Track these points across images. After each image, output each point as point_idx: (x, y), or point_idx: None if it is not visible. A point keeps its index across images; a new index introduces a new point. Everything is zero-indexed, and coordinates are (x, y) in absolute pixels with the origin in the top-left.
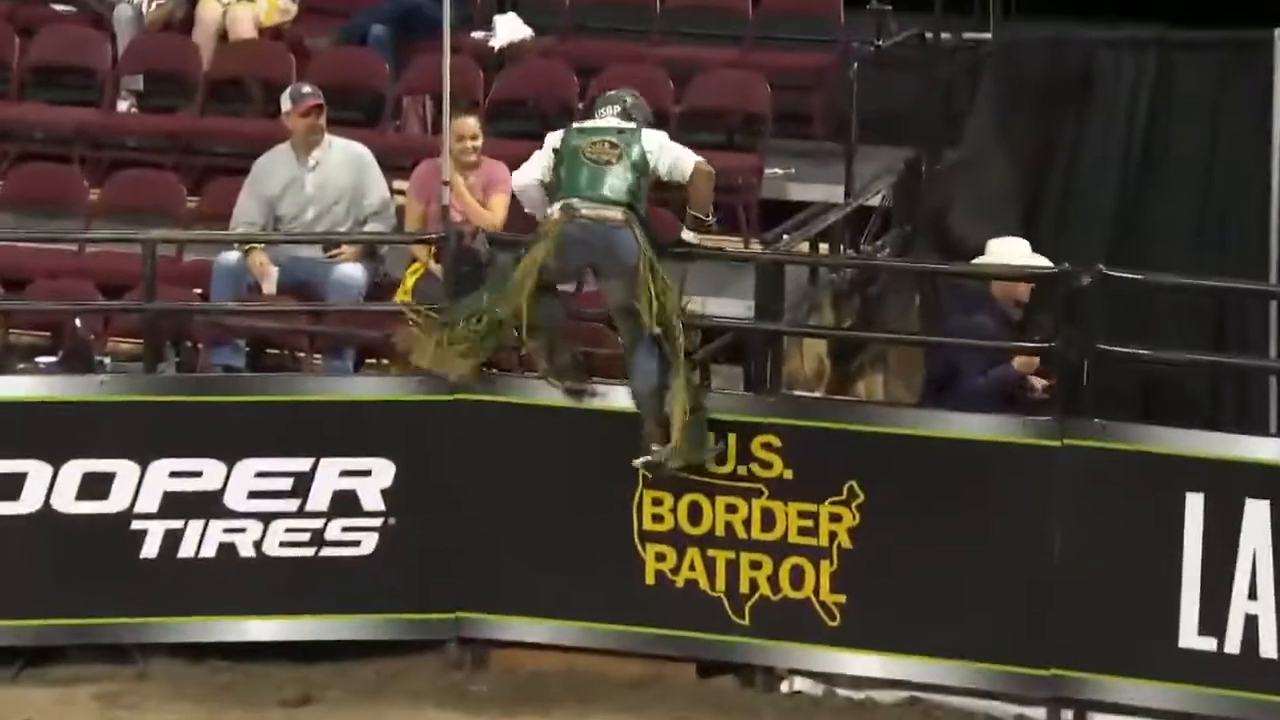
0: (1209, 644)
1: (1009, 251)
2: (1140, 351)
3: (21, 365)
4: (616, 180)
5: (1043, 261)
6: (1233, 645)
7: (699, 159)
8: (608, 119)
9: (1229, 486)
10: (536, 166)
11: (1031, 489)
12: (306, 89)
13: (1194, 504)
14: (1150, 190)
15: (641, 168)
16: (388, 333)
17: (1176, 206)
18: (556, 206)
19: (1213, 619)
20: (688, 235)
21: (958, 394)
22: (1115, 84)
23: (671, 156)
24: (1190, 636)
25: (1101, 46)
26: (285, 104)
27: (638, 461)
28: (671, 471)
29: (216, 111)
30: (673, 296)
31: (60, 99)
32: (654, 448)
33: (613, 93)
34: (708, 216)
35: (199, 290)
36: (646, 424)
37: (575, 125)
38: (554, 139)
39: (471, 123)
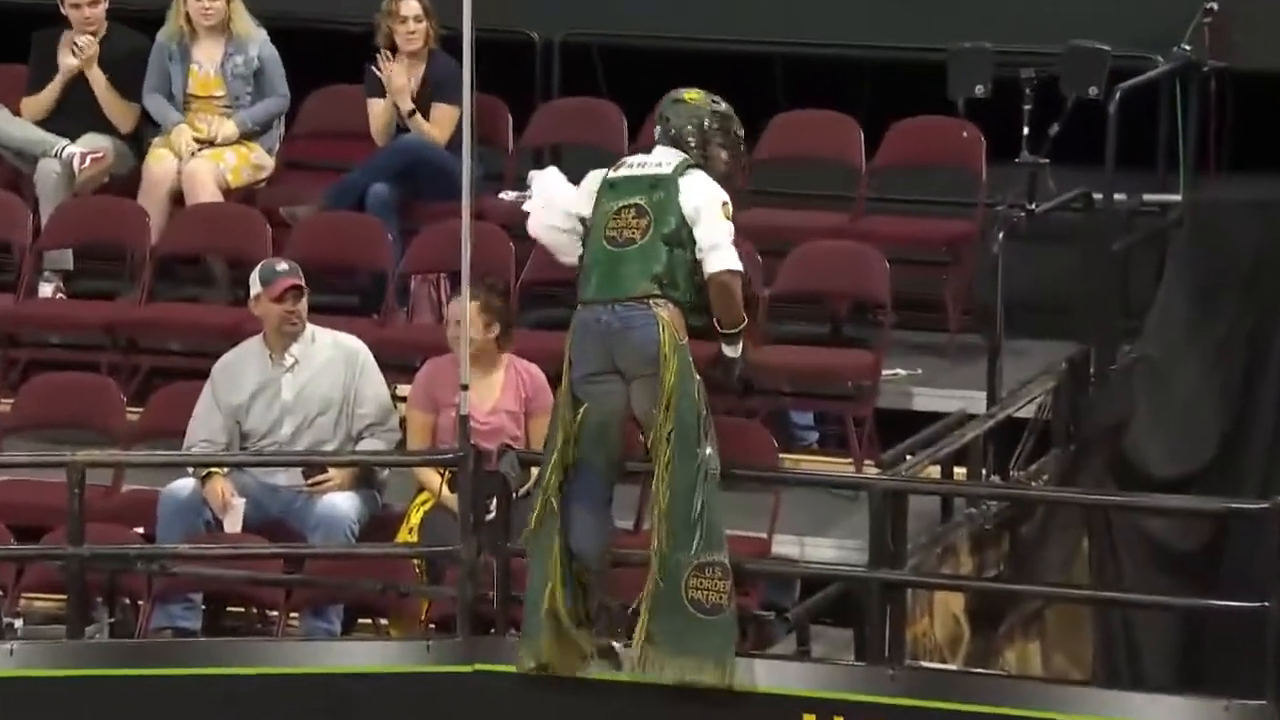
0: None
1: None
2: None
3: None
4: (640, 265)
5: None
6: None
7: (728, 265)
8: (653, 154)
9: None
10: (560, 212)
11: None
12: (282, 266)
13: None
14: None
15: (677, 239)
16: (387, 583)
17: None
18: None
19: None
20: (729, 351)
21: None
22: None
23: (706, 234)
24: None
25: None
26: (255, 285)
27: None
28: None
29: (167, 297)
30: (695, 414)
31: None
32: (613, 644)
33: (664, 102)
34: (734, 333)
35: (141, 530)
36: (604, 601)
37: (610, 175)
38: (593, 181)
39: (494, 304)
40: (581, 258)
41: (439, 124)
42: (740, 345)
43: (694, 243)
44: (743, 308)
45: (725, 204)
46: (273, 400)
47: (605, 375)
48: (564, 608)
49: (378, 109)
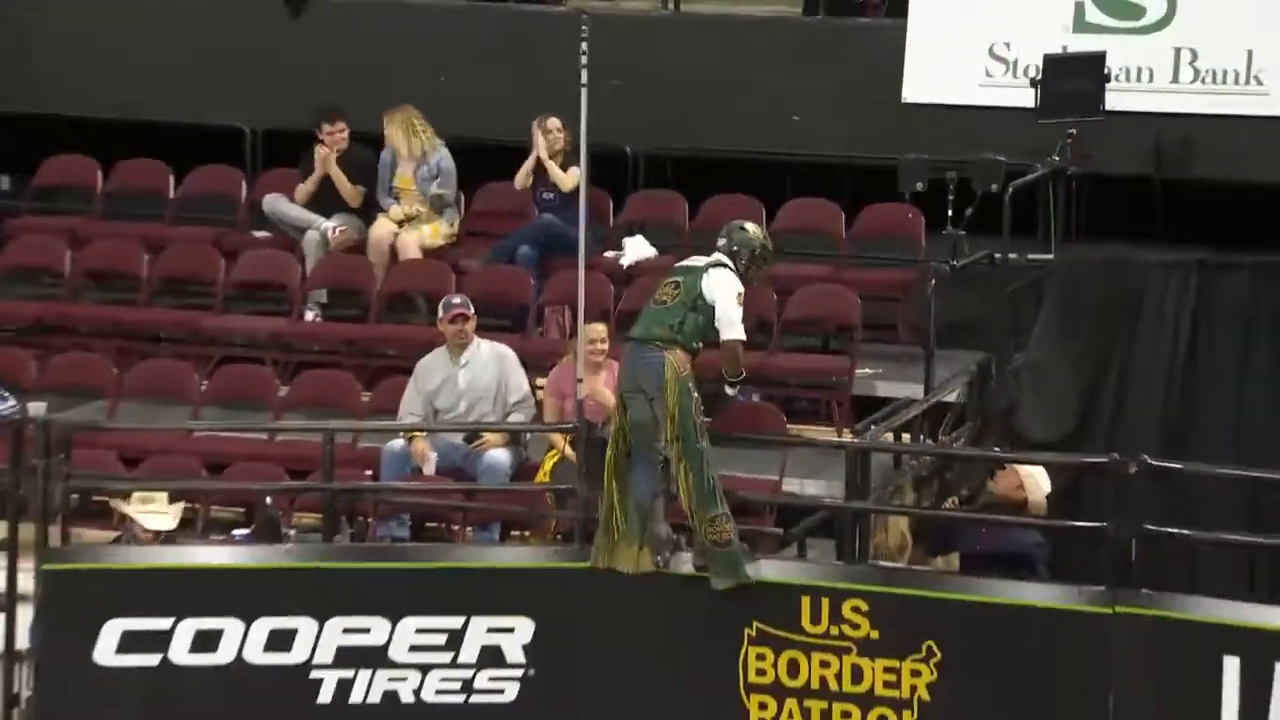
0: None
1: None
2: (1182, 531)
3: (220, 537)
4: (665, 316)
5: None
6: None
7: (736, 335)
8: (699, 259)
9: (1262, 651)
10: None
11: (1087, 650)
12: (457, 299)
13: (1231, 666)
14: (1192, 391)
15: (695, 306)
16: (530, 509)
17: (1216, 407)
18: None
19: None
20: (730, 391)
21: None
22: (1162, 300)
23: (722, 312)
24: None
25: (1152, 268)
26: (440, 312)
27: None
28: (720, 586)
29: (387, 320)
30: (692, 421)
31: (257, 310)
32: (658, 557)
33: (731, 223)
34: (735, 380)
35: (370, 472)
36: (657, 529)
37: (675, 265)
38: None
39: (600, 328)
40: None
41: (570, 178)
42: (738, 389)
43: (708, 310)
44: (741, 365)
45: (740, 293)
46: (453, 388)
47: (634, 393)
48: (620, 530)
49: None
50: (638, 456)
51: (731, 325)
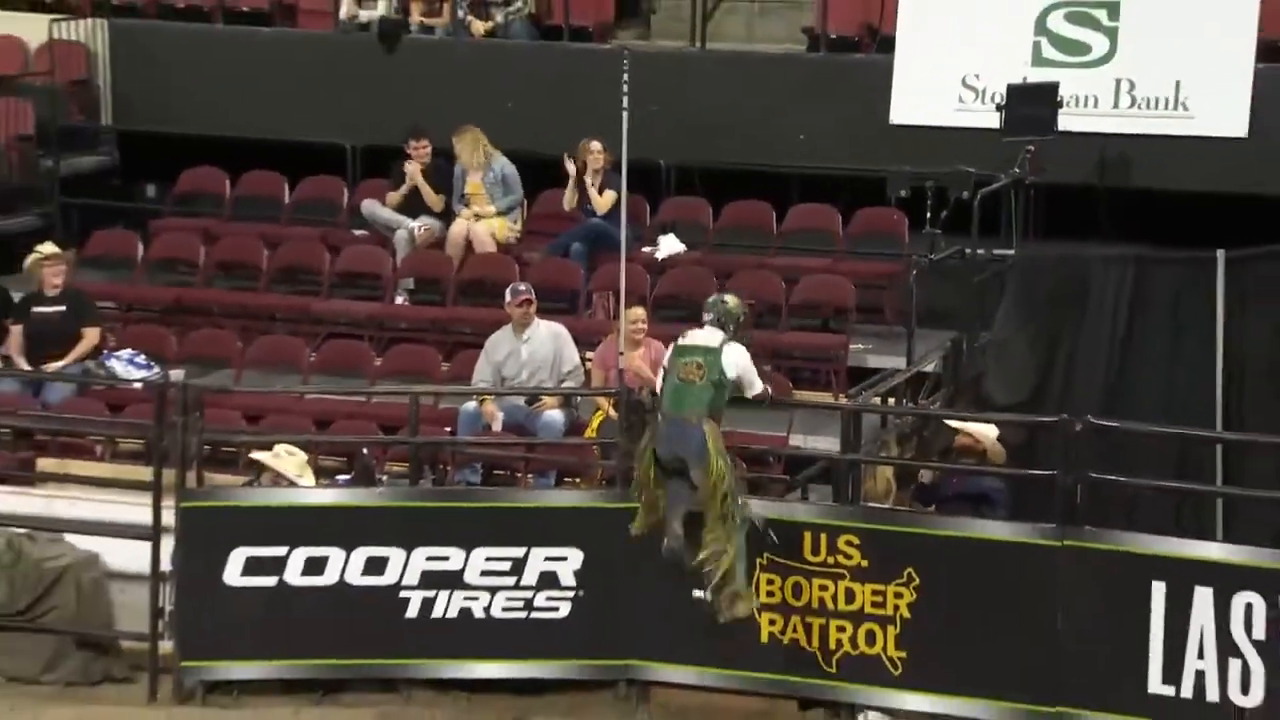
0: (1169, 690)
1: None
2: (1119, 479)
3: (326, 481)
4: (697, 394)
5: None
6: (1186, 692)
7: (759, 390)
8: (704, 331)
9: (1183, 577)
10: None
11: (1040, 577)
12: (521, 286)
13: (1158, 590)
14: (1130, 365)
15: (719, 383)
16: (580, 459)
17: (1148, 377)
18: (659, 412)
19: (1172, 672)
20: (762, 399)
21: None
22: (1104, 289)
23: (745, 379)
24: (1155, 685)
25: (1096, 261)
26: (507, 297)
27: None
28: (722, 616)
29: (463, 304)
30: (730, 482)
31: (356, 295)
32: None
33: (712, 299)
34: (764, 398)
35: (448, 429)
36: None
37: (678, 343)
38: (668, 353)
39: (639, 311)
40: (664, 385)
41: (605, 200)
42: (768, 401)
43: (730, 384)
44: (770, 394)
45: (750, 358)
46: (517, 360)
47: (673, 459)
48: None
49: (569, 190)
50: (673, 490)
51: (754, 386)
